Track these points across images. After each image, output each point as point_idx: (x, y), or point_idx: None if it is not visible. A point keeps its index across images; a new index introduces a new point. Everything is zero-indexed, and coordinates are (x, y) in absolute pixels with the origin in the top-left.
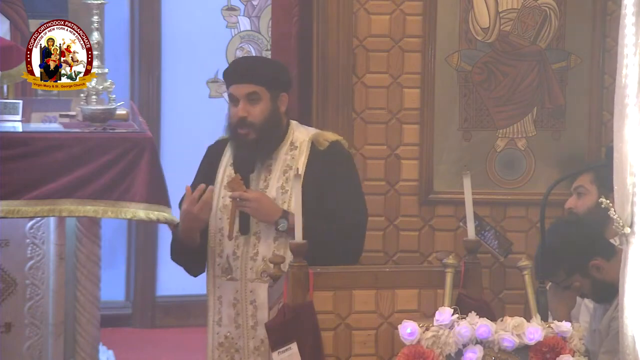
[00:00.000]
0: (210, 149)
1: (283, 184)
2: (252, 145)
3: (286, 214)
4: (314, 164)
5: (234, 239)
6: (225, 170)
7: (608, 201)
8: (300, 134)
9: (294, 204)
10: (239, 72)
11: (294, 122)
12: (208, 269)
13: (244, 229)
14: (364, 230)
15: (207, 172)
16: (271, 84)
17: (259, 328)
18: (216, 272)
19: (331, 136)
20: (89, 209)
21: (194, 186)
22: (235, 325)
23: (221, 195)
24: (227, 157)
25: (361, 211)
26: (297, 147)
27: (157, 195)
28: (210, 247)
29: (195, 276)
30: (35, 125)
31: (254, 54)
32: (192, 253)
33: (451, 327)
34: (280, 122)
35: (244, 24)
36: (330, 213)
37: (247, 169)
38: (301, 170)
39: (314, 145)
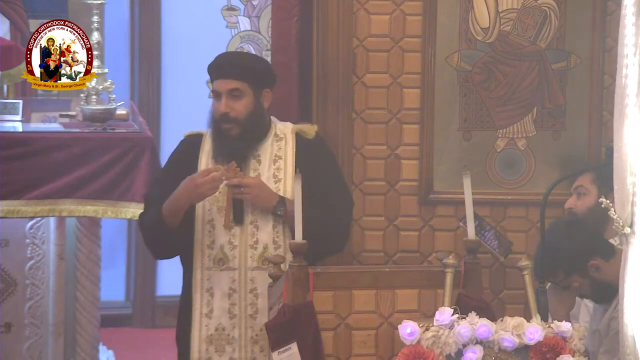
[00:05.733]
0: (185, 142)
1: (275, 172)
2: (235, 139)
3: (282, 199)
4: (303, 153)
5: (229, 229)
6: (208, 163)
7: (608, 201)
8: (283, 127)
9: (295, 203)
10: (222, 67)
11: (273, 117)
12: (195, 262)
13: (239, 220)
14: (351, 217)
15: (180, 165)
16: (255, 80)
17: (259, 316)
18: (206, 265)
19: (314, 127)
20: (89, 209)
21: (161, 178)
22: (230, 315)
23: None
24: (206, 151)
25: (348, 198)
26: (281, 138)
27: None
28: (197, 239)
29: (157, 258)
30: (35, 125)
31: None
32: (166, 233)
33: (451, 327)
34: (263, 118)
35: (244, 24)
36: (320, 199)
37: (240, 158)
38: (290, 160)
39: (299, 135)
